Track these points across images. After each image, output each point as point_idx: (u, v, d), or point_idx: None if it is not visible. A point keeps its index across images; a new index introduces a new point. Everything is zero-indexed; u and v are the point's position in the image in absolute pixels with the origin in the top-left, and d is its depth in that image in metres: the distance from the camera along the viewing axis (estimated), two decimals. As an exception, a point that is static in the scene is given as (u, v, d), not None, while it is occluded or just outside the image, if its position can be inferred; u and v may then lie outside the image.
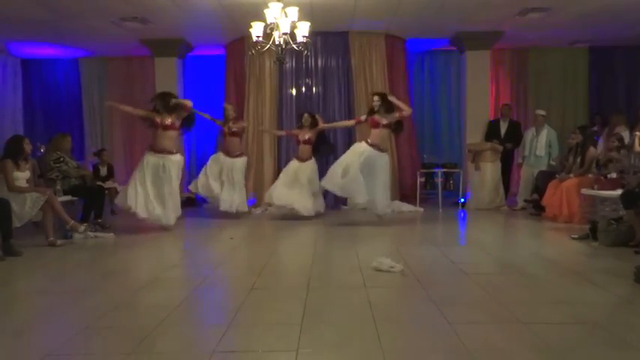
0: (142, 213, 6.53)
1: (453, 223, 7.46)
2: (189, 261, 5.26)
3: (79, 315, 3.35)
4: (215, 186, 7.85)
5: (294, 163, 7.94)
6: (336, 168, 6.82)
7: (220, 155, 8.04)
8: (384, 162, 6.90)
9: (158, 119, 6.74)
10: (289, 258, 5.30)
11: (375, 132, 6.87)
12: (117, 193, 8.53)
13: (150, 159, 6.69)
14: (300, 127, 8.04)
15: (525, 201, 8.53)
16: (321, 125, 7.99)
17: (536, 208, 7.90)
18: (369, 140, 6.86)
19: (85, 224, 6.38)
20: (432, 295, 3.68)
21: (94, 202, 7.09)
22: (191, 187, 8.13)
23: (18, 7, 7.20)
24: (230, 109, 8.14)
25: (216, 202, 7.95)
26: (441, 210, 8.60)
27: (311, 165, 7.90)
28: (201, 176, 7.99)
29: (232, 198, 7.87)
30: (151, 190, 6.58)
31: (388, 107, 6.86)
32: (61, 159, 7.01)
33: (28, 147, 6.02)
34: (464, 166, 9.41)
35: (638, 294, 3.71)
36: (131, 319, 3.25)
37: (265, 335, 2.93)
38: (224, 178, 7.90)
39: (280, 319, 3.20)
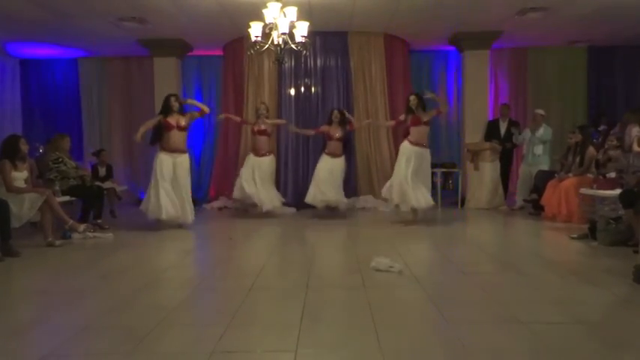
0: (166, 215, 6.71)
1: (452, 223, 7.46)
2: (188, 261, 5.26)
3: (77, 315, 3.34)
4: (247, 186, 7.84)
5: (328, 160, 7.93)
6: (396, 180, 7.02)
7: (250, 156, 8.07)
8: (427, 157, 7.18)
9: (172, 121, 6.89)
10: (288, 258, 5.30)
11: (414, 130, 7.12)
12: (116, 193, 8.56)
13: (164, 158, 6.88)
14: (330, 123, 8.04)
15: (524, 200, 8.54)
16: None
17: (536, 208, 7.91)
18: (412, 139, 7.11)
19: (85, 224, 6.37)
20: (431, 294, 3.68)
21: (93, 203, 7.08)
22: (235, 195, 8.04)
23: (16, 7, 7.19)
24: (263, 108, 8.17)
25: (255, 204, 7.87)
26: (439, 210, 8.60)
27: (343, 161, 8.04)
28: (237, 180, 8.02)
29: (270, 197, 7.94)
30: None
31: (424, 105, 7.18)
32: (60, 159, 7.00)
33: (24, 147, 5.99)
34: (463, 166, 9.41)
35: (637, 293, 3.71)
36: (130, 319, 3.24)
37: (264, 335, 2.93)
38: (256, 179, 7.91)
39: (279, 320, 3.20)
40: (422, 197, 6.96)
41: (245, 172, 7.96)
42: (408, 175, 6.91)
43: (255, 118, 8.23)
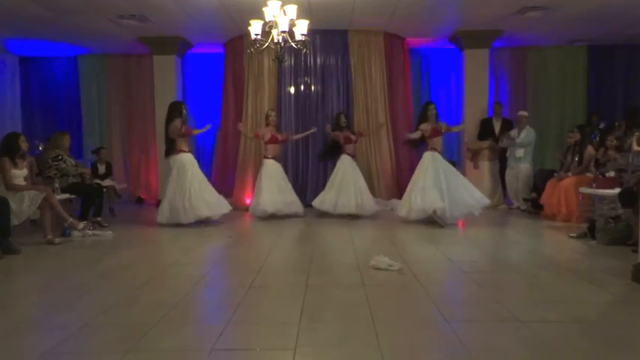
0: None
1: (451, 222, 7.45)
2: (187, 259, 5.26)
3: (77, 313, 3.35)
4: (272, 199, 7.70)
5: (347, 161, 7.93)
6: (433, 191, 6.92)
7: (268, 162, 7.89)
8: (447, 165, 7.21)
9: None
10: (288, 256, 5.30)
11: (437, 140, 7.21)
12: (115, 191, 8.56)
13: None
14: (341, 129, 8.01)
15: (524, 200, 8.54)
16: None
17: (535, 207, 7.92)
18: (437, 148, 7.19)
19: (84, 222, 6.37)
20: (430, 293, 3.69)
21: (93, 201, 7.09)
22: (251, 212, 7.88)
23: (16, 4, 7.18)
24: (274, 115, 8.08)
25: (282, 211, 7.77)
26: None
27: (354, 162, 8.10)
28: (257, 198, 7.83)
29: (292, 200, 7.92)
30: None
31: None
32: (60, 157, 7.01)
33: (24, 144, 6.00)
34: (462, 165, 9.41)
35: (636, 293, 3.72)
36: (130, 316, 3.25)
37: (263, 333, 2.93)
38: (281, 185, 7.85)
39: (278, 318, 3.21)
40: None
41: (268, 184, 7.74)
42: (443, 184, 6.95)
43: (266, 125, 8.05)
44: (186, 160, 7.20)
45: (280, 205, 7.72)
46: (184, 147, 7.24)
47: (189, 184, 7.06)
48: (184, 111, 7.27)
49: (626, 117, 8.16)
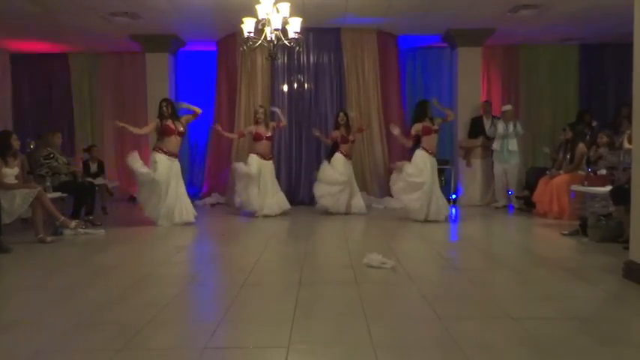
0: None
1: (444, 219, 7.47)
2: (180, 257, 5.24)
3: (69, 311, 3.33)
4: (252, 193, 7.68)
5: (344, 162, 7.86)
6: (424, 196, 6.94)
7: (255, 158, 7.76)
8: (435, 165, 7.20)
9: (172, 126, 7.01)
10: (281, 254, 5.30)
11: (428, 139, 7.10)
12: (107, 189, 8.51)
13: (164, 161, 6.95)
14: (338, 126, 7.97)
15: (516, 197, 8.58)
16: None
17: (527, 205, 7.95)
18: (428, 149, 7.10)
19: (76, 220, 6.34)
20: (423, 290, 3.70)
21: (85, 199, 7.05)
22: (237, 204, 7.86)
23: (6, 1, 7.13)
24: (262, 112, 7.94)
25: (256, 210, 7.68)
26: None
27: (351, 163, 8.04)
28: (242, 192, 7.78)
29: (274, 200, 7.78)
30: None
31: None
32: (51, 155, 6.96)
33: (15, 143, 5.96)
34: (455, 163, 9.44)
35: (627, 289, 3.74)
36: (122, 315, 3.23)
37: (257, 331, 2.93)
38: (265, 183, 7.72)
39: (271, 316, 3.20)
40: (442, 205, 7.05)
41: (248, 179, 7.68)
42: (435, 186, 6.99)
43: (254, 122, 7.99)
44: (157, 159, 6.93)
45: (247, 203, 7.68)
46: (163, 146, 6.98)
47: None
48: (163, 108, 6.98)
49: (618, 115, 8.26)
